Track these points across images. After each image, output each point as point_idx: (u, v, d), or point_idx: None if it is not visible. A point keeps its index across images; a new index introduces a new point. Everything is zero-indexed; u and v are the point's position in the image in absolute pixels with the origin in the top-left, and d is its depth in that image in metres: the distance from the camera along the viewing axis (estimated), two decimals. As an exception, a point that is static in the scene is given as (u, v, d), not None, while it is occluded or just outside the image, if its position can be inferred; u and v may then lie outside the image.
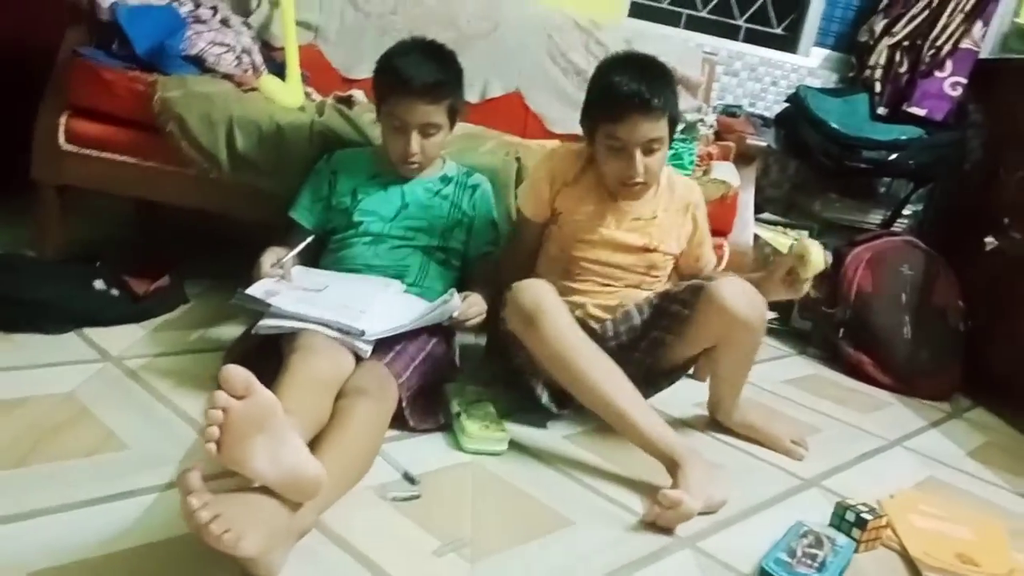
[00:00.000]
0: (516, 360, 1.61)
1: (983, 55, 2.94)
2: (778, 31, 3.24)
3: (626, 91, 1.54)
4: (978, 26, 2.87)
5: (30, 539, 1.02)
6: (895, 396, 2.46)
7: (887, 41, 2.93)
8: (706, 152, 2.24)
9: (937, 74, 2.90)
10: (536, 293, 1.50)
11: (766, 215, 2.92)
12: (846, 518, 1.43)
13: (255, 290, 1.48)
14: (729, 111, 2.90)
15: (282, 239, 1.71)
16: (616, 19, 2.97)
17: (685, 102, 2.33)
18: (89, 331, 1.68)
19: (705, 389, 1.83)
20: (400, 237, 1.72)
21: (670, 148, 1.73)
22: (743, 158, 2.24)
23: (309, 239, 1.68)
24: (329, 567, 1.07)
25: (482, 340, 1.86)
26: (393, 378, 1.41)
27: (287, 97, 2.00)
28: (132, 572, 0.99)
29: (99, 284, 1.81)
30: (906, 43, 2.92)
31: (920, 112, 2.88)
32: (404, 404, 1.44)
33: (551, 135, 2.54)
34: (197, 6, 2.20)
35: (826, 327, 2.70)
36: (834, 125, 2.80)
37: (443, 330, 1.65)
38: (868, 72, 2.97)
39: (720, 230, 2.06)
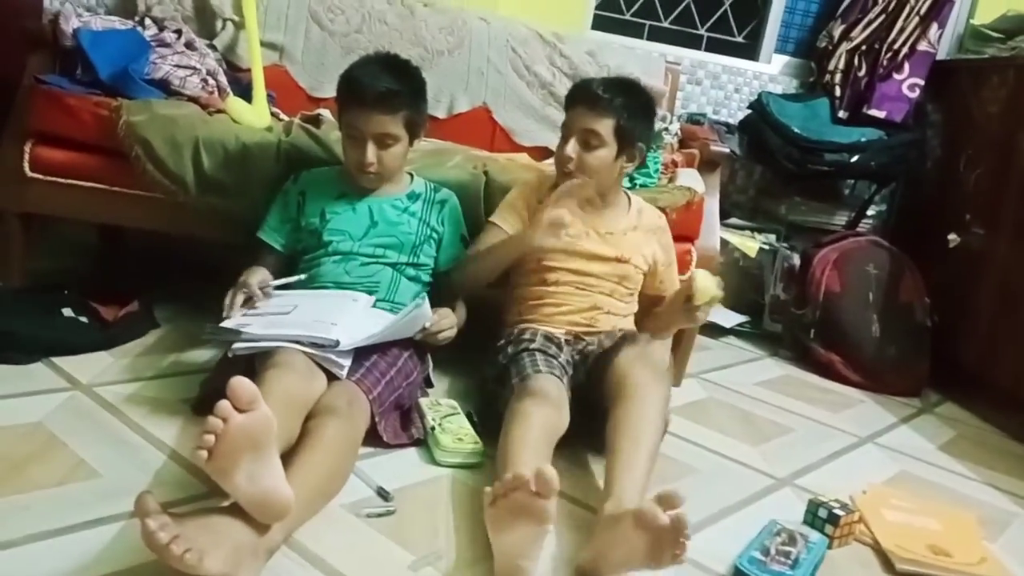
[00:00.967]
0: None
1: (940, 56, 3.00)
2: (739, 39, 3.29)
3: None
4: (934, 28, 2.93)
5: (1, 570, 1.01)
6: (866, 394, 2.50)
7: (846, 46, 2.98)
8: (671, 160, 2.27)
9: (895, 76, 2.95)
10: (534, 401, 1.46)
11: (733, 220, 2.95)
12: (819, 515, 1.45)
13: (227, 324, 1.47)
14: (693, 119, 2.94)
15: (251, 261, 1.71)
16: (579, 31, 3.01)
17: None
18: (58, 360, 1.66)
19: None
20: (370, 255, 1.72)
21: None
22: (708, 164, 2.27)
23: (301, 277, 1.69)
24: (304, 586, 1.07)
25: (455, 353, 1.86)
26: (363, 394, 1.41)
27: (254, 118, 2.00)
28: (104, 600, 0.99)
29: (67, 312, 1.80)
30: (864, 47, 2.98)
31: (880, 114, 2.93)
32: (377, 419, 1.44)
33: (518, 148, 2.57)
34: (161, 30, 2.20)
35: (796, 329, 2.73)
36: (796, 129, 2.84)
37: (415, 344, 1.65)
38: (828, 77, 3.01)
39: (687, 236, 2.09)
